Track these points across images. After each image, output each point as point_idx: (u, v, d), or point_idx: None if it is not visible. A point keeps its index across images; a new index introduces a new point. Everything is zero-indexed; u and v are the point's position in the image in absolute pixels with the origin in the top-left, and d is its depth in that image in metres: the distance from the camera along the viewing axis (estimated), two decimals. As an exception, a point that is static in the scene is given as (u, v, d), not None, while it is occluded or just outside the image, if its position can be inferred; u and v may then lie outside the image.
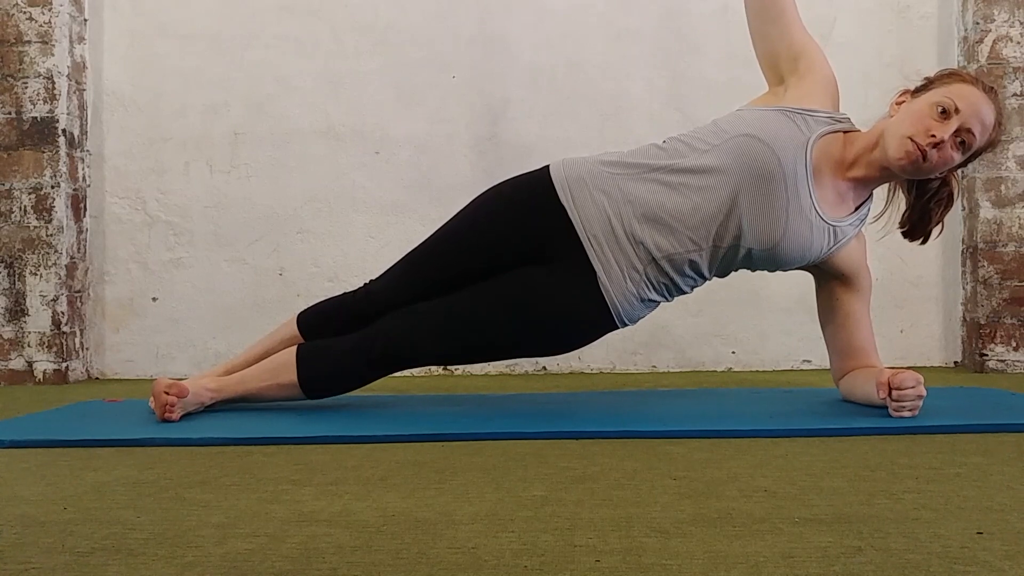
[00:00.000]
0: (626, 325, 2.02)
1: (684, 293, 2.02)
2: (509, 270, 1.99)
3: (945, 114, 1.86)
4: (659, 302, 2.03)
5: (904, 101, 1.97)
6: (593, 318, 1.98)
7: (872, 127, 1.99)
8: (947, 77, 1.94)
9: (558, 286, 1.95)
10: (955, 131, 1.86)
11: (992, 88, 1.92)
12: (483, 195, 2.10)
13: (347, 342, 2.03)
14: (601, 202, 1.94)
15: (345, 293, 2.18)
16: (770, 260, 1.97)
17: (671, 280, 1.96)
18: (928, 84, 1.95)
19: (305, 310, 2.19)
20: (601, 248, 1.93)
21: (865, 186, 2.00)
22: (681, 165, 1.94)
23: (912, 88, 1.98)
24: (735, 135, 1.93)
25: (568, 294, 1.95)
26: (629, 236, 1.93)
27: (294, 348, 2.05)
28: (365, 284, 2.15)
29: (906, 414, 1.80)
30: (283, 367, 2.03)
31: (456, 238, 2.06)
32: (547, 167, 2.04)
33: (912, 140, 1.86)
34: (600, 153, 2.08)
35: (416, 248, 2.12)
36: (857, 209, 2.01)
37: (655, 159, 1.97)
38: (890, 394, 1.81)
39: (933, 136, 1.85)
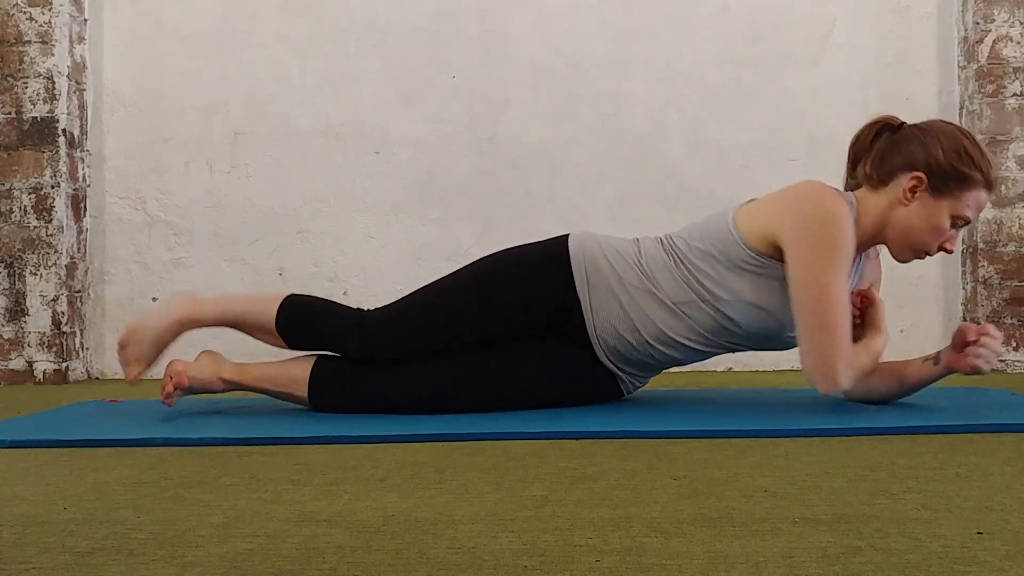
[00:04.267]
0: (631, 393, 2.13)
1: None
2: (517, 340, 2.00)
3: (961, 225, 1.90)
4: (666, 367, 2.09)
5: (917, 188, 1.85)
6: (600, 389, 2.07)
7: (876, 204, 1.89)
8: (967, 182, 1.83)
9: (567, 370, 2.01)
10: None
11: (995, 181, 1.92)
12: (493, 266, 2.05)
13: (368, 387, 1.99)
14: (615, 310, 1.95)
15: (335, 303, 2.11)
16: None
17: (673, 360, 2.03)
18: (945, 180, 1.83)
19: (291, 308, 2.07)
20: (607, 349, 1.99)
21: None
22: (694, 317, 1.94)
23: (925, 173, 1.83)
24: (748, 302, 1.90)
25: (580, 377, 2.02)
26: (638, 347, 1.97)
27: (308, 370, 2.02)
28: (359, 310, 2.07)
29: (982, 363, 1.85)
30: (295, 382, 2.04)
31: (464, 315, 2.00)
32: (566, 247, 1.99)
33: (926, 253, 1.91)
34: (619, 241, 2.01)
35: (423, 306, 2.03)
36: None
37: (667, 285, 1.94)
38: (977, 342, 1.85)
39: (945, 248, 1.91)
